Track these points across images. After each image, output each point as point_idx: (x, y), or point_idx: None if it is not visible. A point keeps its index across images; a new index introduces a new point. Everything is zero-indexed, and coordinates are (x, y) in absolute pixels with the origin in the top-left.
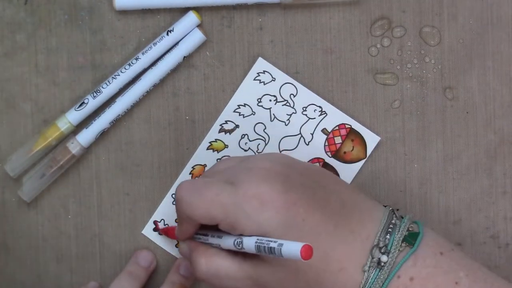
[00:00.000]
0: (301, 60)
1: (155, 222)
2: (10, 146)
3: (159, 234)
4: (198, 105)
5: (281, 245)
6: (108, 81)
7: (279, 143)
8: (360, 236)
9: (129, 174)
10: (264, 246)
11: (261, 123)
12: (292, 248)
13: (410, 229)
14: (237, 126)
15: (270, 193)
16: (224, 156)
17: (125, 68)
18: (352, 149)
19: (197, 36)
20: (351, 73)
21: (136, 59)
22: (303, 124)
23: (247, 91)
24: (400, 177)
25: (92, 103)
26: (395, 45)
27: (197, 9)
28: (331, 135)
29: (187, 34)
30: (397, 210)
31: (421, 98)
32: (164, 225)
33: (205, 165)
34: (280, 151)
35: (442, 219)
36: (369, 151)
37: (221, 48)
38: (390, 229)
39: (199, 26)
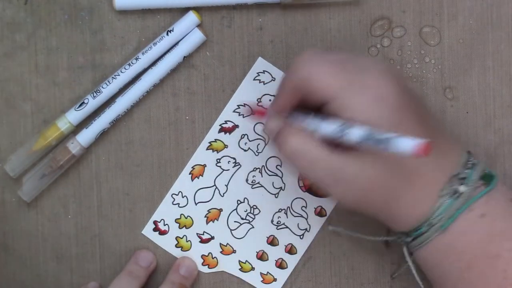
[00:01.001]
0: None
1: (155, 222)
2: (10, 146)
3: (160, 234)
4: (198, 105)
5: (397, 137)
6: (108, 81)
7: None
8: (444, 163)
9: (129, 174)
10: (374, 136)
11: (261, 123)
12: (409, 142)
13: (486, 171)
14: (237, 126)
15: (390, 91)
16: (224, 156)
17: (125, 68)
18: None
19: (197, 36)
20: None
21: (136, 59)
22: None
23: (247, 91)
24: None
25: (92, 103)
26: (395, 45)
27: (197, 9)
28: None
29: (187, 34)
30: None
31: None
32: (164, 225)
33: (205, 165)
34: None
35: None
36: None
37: (221, 48)
38: (469, 165)
39: (199, 26)
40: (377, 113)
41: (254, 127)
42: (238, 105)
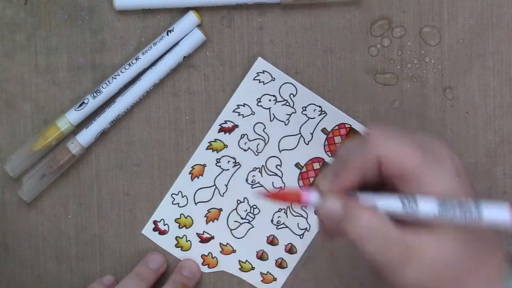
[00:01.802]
0: (301, 60)
1: (155, 222)
2: (10, 146)
3: (160, 234)
4: (198, 105)
5: (481, 203)
6: (108, 81)
7: (279, 142)
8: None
9: (129, 174)
10: (455, 205)
11: (261, 123)
12: (499, 208)
13: None
14: (236, 126)
15: (461, 163)
16: (224, 156)
17: (125, 68)
18: None
19: (197, 36)
20: (351, 73)
21: (136, 59)
22: (303, 124)
23: (247, 91)
24: None
25: (92, 103)
26: (395, 45)
27: (197, 9)
28: (331, 135)
29: (187, 34)
30: None
31: (421, 98)
32: (164, 225)
33: (204, 165)
34: (280, 151)
35: None
36: None
37: (221, 48)
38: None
39: (199, 26)
40: (456, 187)
41: (254, 127)
42: (238, 105)
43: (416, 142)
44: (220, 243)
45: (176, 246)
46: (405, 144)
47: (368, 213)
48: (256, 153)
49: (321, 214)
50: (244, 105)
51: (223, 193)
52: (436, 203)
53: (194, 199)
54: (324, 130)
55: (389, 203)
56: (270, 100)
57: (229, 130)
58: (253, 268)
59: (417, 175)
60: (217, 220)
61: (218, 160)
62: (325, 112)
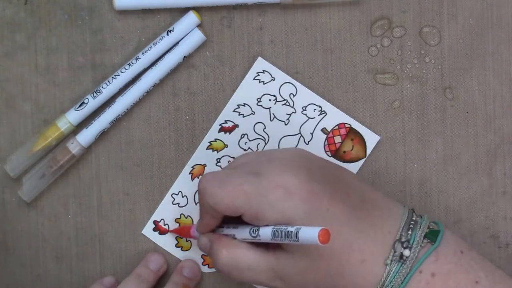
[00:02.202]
0: (301, 60)
1: (155, 222)
2: (10, 146)
3: (160, 234)
4: (198, 105)
5: (298, 229)
6: (108, 81)
7: (279, 142)
8: (382, 230)
9: (129, 174)
10: (281, 231)
11: (261, 122)
12: (309, 232)
13: (431, 227)
14: (236, 125)
15: (294, 182)
16: (224, 156)
17: (125, 68)
18: (352, 149)
19: (197, 36)
20: (351, 73)
21: (136, 59)
22: (303, 124)
23: (247, 90)
24: (400, 177)
25: (92, 103)
26: (395, 45)
27: (197, 9)
28: (330, 135)
29: (187, 34)
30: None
31: (421, 98)
32: (164, 225)
33: (204, 165)
34: None
35: (442, 219)
36: (368, 151)
37: (221, 48)
38: (411, 225)
39: (199, 26)
40: (287, 208)
41: (254, 126)
42: (238, 105)
43: (241, 177)
44: None
45: (176, 246)
46: (229, 187)
47: (226, 246)
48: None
49: (199, 247)
50: (244, 105)
51: None
52: (270, 232)
53: (194, 199)
54: (324, 130)
55: (242, 233)
56: (270, 100)
57: (229, 130)
58: None
59: (249, 212)
60: None
61: (218, 160)
62: (325, 112)
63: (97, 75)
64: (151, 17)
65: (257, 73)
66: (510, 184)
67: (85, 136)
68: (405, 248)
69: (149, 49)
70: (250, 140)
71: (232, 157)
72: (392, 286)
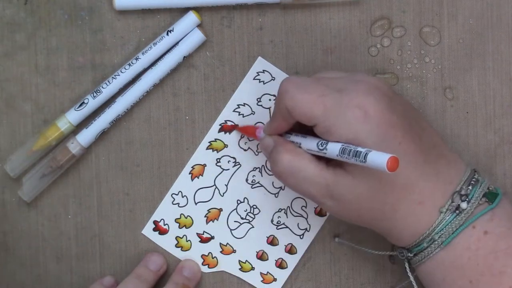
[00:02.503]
0: (301, 60)
1: (155, 222)
2: (10, 146)
3: (160, 234)
4: (198, 105)
5: (369, 151)
6: (108, 81)
7: None
8: (444, 179)
9: (129, 174)
10: (351, 150)
11: (261, 122)
12: (379, 156)
13: (490, 188)
14: (237, 125)
15: (376, 107)
16: (224, 156)
17: (125, 68)
18: None
19: (197, 36)
20: None
21: (136, 59)
22: None
23: (247, 90)
24: None
25: (92, 103)
26: (395, 45)
27: (197, 9)
28: None
29: (187, 34)
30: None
31: (421, 98)
32: (164, 225)
33: (204, 165)
34: None
35: None
36: None
37: (221, 48)
38: (472, 182)
39: (199, 26)
40: (362, 130)
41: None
42: (238, 105)
43: (325, 88)
44: (220, 243)
45: (176, 246)
46: (311, 93)
47: (288, 152)
48: (256, 153)
49: (260, 146)
50: (244, 104)
51: (223, 193)
52: (338, 148)
53: (194, 199)
54: None
55: (309, 144)
56: (270, 100)
57: (229, 130)
58: (253, 268)
59: (323, 124)
60: (217, 220)
61: (218, 160)
62: None
63: (97, 75)
64: (151, 17)
65: (257, 73)
66: (510, 184)
67: (85, 136)
68: (463, 201)
69: (149, 49)
70: (250, 140)
71: (232, 157)
72: (442, 234)
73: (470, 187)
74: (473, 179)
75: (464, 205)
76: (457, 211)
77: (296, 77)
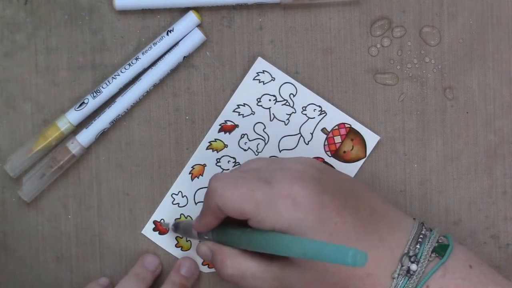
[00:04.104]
0: (301, 60)
1: (155, 222)
2: (10, 146)
3: (160, 234)
4: (198, 105)
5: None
6: (108, 81)
7: (279, 142)
8: (390, 244)
9: (129, 174)
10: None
11: (261, 122)
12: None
13: (440, 241)
14: (236, 125)
15: (304, 194)
16: (224, 156)
17: (125, 68)
18: (352, 149)
19: (197, 36)
20: (351, 73)
21: (136, 59)
22: (303, 124)
23: (247, 90)
24: (400, 177)
25: (92, 103)
26: (395, 45)
27: (197, 9)
28: (330, 135)
29: (187, 34)
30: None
31: (421, 98)
32: (165, 225)
33: (204, 165)
34: (280, 151)
35: (442, 219)
36: (368, 151)
37: (221, 48)
38: (420, 239)
39: (199, 26)
40: (294, 219)
41: (254, 126)
42: (238, 105)
43: (254, 181)
44: None
45: (176, 246)
46: (240, 189)
47: (229, 258)
48: (256, 153)
49: (198, 254)
50: (244, 105)
51: None
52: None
53: (194, 199)
54: (324, 130)
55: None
56: (270, 100)
57: (229, 130)
58: None
59: (254, 218)
60: None
61: (218, 160)
62: (325, 112)
63: (97, 75)
64: (151, 17)
65: (257, 73)
66: (510, 184)
67: (85, 136)
68: (412, 262)
69: (149, 49)
70: (250, 140)
71: (232, 157)
72: None
73: (418, 246)
74: (421, 235)
75: (414, 267)
76: (409, 274)
77: (223, 174)
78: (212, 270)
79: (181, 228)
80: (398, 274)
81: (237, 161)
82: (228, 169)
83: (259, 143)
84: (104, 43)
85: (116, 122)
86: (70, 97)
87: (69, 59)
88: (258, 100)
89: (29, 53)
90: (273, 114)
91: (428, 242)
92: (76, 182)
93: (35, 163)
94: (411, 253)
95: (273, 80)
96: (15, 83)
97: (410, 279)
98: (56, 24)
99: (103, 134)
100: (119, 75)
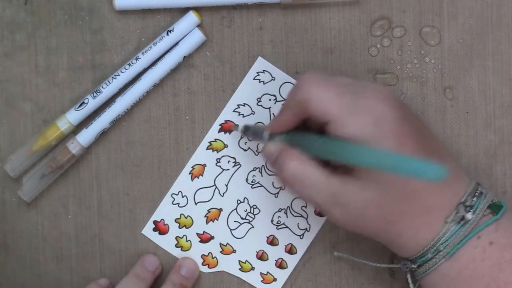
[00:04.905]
0: (301, 60)
1: (155, 222)
2: (10, 146)
3: (160, 234)
4: (198, 105)
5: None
6: (108, 81)
7: None
8: (450, 190)
9: (129, 174)
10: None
11: (261, 122)
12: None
13: (494, 201)
14: (237, 125)
15: (388, 115)
16: (224, 156)
17: (125, 68)
18: None
19: (197, 36)
20: (351, 73)
21: (136, 59)
22: None
23: (247, 90)
24: None
25: (92, 103)
26: (395, 45)
27: (197, 9)
28: None
29: (187, 34)
30: None
31: (421, 98)
32: (164, 224)
33: (204, 165)
34: None
35: None
36: None
37: (221, 48)
38: (477, 194)
39: (199, 26)
40: (375, 136)
41: None
42: (238, 105)
43: (345, 89)
44: (220, 243)
45: (176, 246)
46: (330, 90)
47: (294, 159)
48: (256, 153)
49: (263, 153)
50: (244, 104)
51: (223, 193)
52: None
53: (194, 199)
54: None
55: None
56: (270, 100)
57: (229, 130)
58: (253, 268)
59: (336, 121)
60: (217, 220)
61: (218, 160)
62: None
63: (97, 75)
64: (151, 17)
65: (257, 73)
66: (510, 184)
67: (85, 136)
68: (468, 211)
69: (149, 49)
70: (250, 140)
71: (232, 157)
72: (447, 245)
73: (474, 199)
74: (477, 192)
75: (469, 215)
76: (462, 222)
77: (317, 73)
78: (212, 270)
79: (251, 131)
80: (452, 220)
81: (237, 161)
82: (228, 169)
83: (259, 143)
84: (104, 43)
85: (116, 122)
86: (70, 97)
87: (69, 59)
88: (258, 100)
89: (29, 53)
90: (273, 114)
91: (485, 198)
92: (76, 182)
93: (35, 163)
94: (468, 203)
95: (273, 80)
96: (15, 83)
97: (463, 227)
98: (56, 24)
99: (103, 134)
100: (119, 75)
